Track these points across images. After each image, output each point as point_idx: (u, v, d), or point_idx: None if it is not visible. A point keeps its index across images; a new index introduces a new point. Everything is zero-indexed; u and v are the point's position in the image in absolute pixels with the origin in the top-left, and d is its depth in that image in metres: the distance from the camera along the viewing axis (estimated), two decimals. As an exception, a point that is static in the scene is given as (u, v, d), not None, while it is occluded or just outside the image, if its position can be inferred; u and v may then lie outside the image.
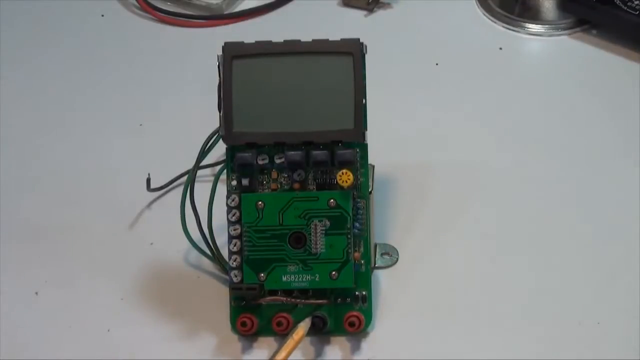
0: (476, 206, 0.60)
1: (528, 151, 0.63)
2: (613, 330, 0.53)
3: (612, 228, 0.58)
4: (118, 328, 0.55)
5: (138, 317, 0.56)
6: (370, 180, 0.54)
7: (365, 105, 0.52)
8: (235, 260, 0.53)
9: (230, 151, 0.54)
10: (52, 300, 0.57)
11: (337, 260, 0.53)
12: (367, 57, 0.53)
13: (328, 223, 0.53)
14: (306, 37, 0.53)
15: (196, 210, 0.55)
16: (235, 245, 0.53)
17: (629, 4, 0.68)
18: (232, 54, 0.53)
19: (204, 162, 0.57)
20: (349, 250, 0.53)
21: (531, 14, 0.73)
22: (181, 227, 0.55)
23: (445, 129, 0.65)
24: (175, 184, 0.62)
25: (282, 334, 0.53)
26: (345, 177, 0.52)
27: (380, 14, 0.74)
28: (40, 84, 0.71)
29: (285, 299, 0.53)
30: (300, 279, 0.53)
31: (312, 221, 0.53)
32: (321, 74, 0.53)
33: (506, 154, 0.63)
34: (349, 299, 0.54)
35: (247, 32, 0.72)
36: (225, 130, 0.53)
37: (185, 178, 0.56)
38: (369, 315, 0.54)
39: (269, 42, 0.53)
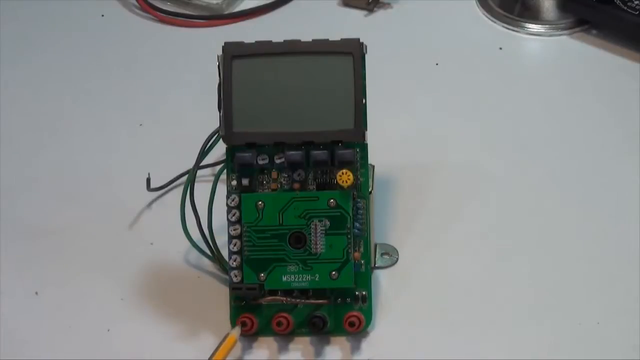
0: (476, 206, 0.60)
1: (528, 151, 0.63)
2: (613, 330, 0.53)
3: (612, 228, 0.58)
4: (118, 328, 0.55)
5: (138, 317, 0.56)
6: (370, 180, 0.54)
7: (365, 105, 0.52)
8: (235, 260, 0.53)
9: (230, 151, 0.54)
10: (52, 300, 0.57)
11: (337, 260, 0.53)
12: (367, 57, 0.53)
13: (328, 223, 0.53)
14: (306, 37, 0.53)
15: (196, 210, 0.55)
16: (235, 245, 0.53)
17: (629, 4, 0.68)
18: (232, 54, 0.53)
19: (204, 162, 0.57)
20: (349, 250, 0.53)
21: (531, 14, 0.73)
22: (181, 227, 0.55)
23: (445, 129, 0.65)
24: (175, 184, 0.62)
25: (282, 334, 0.53)
26: (345, 177, 0.52)
27: (380, 14, 0.74)
28: (40, 84, 0.71)
29: (285, 299, 0.53)
30: (300, 279, 0.53)
31: (312, 221, 0.53)
32: (321, 74, 0.53)
33: (506, 154, 0.63)
34: (349, 299, 0.54)
35: (247, 32, 0.72)
36: (225, 130, 0.53)
37: (185, 178, 0.56)
38: (369, 315, 0.54)
39: (269, 42, 0.53)
